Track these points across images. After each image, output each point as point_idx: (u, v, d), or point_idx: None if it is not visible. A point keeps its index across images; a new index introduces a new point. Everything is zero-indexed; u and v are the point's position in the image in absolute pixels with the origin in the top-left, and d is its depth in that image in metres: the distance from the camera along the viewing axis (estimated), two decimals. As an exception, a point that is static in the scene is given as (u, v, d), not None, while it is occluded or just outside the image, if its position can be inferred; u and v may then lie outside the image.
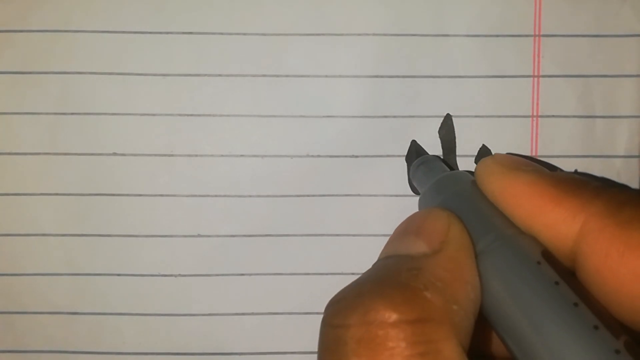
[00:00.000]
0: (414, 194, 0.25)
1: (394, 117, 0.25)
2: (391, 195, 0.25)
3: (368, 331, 0.14)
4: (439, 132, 0.25)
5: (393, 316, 0.14)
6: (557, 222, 0.15)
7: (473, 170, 0.18)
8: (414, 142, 0.24)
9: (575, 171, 0.25)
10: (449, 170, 0.22)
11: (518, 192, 0.16)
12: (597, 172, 0.25)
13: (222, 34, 0.24)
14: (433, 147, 0.25)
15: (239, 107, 0.24)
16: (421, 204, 0.20)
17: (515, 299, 0.15)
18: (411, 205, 0.25)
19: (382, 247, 0.17)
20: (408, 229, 0.17)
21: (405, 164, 0.25)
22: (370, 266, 0.17)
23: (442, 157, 0.24)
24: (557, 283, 0.14)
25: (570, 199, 0.15)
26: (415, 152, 0.24)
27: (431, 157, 0.23)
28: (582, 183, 0.16)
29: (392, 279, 0.15)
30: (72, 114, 0.24)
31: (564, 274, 0.15)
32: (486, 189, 0.18)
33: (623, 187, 0.16)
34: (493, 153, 0.23)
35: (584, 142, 0.25)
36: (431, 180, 0.20)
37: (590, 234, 0.15)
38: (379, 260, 0.17)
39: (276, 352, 0.25)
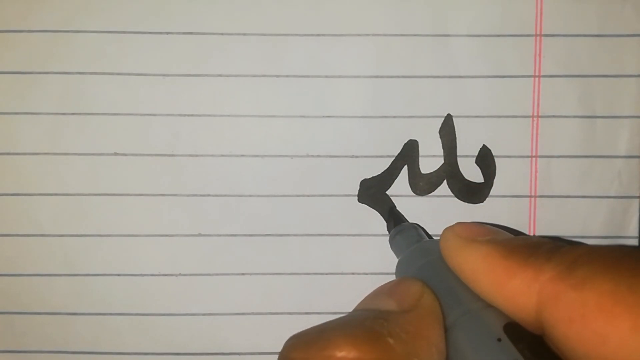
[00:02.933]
0: (414, 194, 0.25)
1: (394, 117, 0.25)
2: (391, 195, 0.25)
3: None
4: (439, 132, 0.25)
5: (352, 353, 0.13)
6: (514, 294, 0.15)
7: None
8: (392, 209, 0.25)
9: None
10: (424, 238, 0.22)
11: (475, 267, 0.16)
12: (598, 172, 0.25)
13: (222, 34, 0.24)
14: (433, 147, 0.25)
15: (239, 107, 0.24)
16: (397, 273, 0.21)
17: None
18: (411, 205, 0.25)
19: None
20: (381, 290, 0.17)
21: (406, 166, 0.25)
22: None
23: (419, 225, 0.24)
24: None
25: (523, 268, 0.15)
26: (393, 221, 0.24)
27: (407, 225, 0.23)
28: (533, 248, 0.16)
29: (357, 322, 0.15)
30: (73, 114, 0.24)
31: (526, 348, 0.15)
32: (449, 264, 0.18)
33: (575, 245, 0.16)
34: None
35: (585, 142, 0.25)
36: (406, 251, 0.20)
37: (548, 302, 0.14)
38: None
39: (276, 352, 0.25)
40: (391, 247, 0.23)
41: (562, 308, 0.14)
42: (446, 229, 0.18)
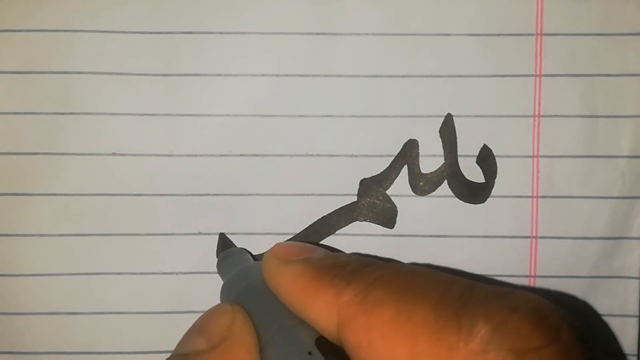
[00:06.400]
0: (414, 194, 0.25)
1: (394, 116, 0.24)
2: (391, 195, 0.25)
3: None
4: (439, 131, 0.25)
5: None
6: (318, 315, 0.16)
7: None
8: (221, 235, 0.25)
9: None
10: (249, 262, 0.23)
11: (288, 288, 0.17)
12: (600, 172, 0.24)
13: (222, 33, 0.24)
14: (433, 146, 0.25)
15: (239, 107, 0.24)
16: (221, 298, 0.21)
17: None
18: (411, 205, 0.25)
19: None
20: (194, 327, 0.17)
21: (406, 166, 0.25)
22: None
23: (247, 250, 0.24)
24: None
25: (326, 289, 0.16)
26: (221, 246, 0.24)
27: (234, 250, 0.24)
28: (339, 268, 0.16)
29: None
30: (72, 114, 0.24)
31: None
32: (270, 286, 0.18)
33: (377, 266, 0.16)
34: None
35: (587, 142, 0.24)
36: (229, 274, 0.21)
37: (344, 325, 0.15)
38: None
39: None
40: (218, 272, 0.23)
41: (354, 332, 0.15)
42: (267, 251, 0.19)
